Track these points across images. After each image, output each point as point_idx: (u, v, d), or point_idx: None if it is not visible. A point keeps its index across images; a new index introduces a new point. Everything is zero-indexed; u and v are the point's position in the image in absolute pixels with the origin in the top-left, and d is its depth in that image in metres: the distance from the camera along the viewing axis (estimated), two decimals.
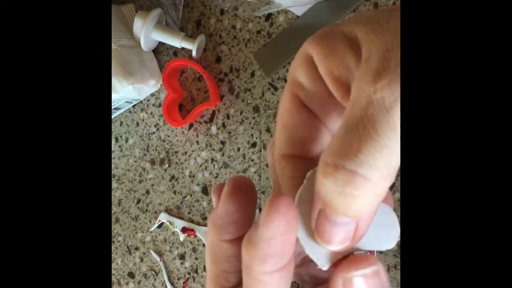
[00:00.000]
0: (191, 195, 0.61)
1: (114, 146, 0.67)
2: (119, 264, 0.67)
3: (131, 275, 0.66)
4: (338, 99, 0.20)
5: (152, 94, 0.63)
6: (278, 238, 0.17)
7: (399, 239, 0.20)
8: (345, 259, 0.19)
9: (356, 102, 0.16)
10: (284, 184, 0.21)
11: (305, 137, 0.21)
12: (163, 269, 0.63)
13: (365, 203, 0.16)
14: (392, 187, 0.49)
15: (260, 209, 0.56)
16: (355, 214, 0.17)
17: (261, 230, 0.17)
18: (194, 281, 0.61)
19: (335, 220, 0.17)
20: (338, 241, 0.18)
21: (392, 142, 0.15)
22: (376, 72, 0.16)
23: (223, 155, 0.58)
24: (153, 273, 0.64)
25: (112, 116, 0.66)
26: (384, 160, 0.16)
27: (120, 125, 0.66)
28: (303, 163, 0.21)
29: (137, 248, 0.66)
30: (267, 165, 0.56)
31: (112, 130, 0.67)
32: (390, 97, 0.15)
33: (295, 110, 0.21)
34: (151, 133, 0.64)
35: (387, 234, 0.20)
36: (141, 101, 0.64)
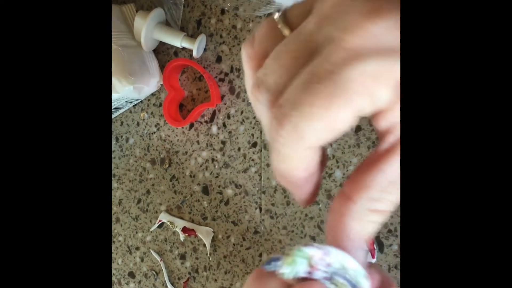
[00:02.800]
0: (191, 195, 0.61)
1: (114, 146, 0.67)
2: (119, 264, 0.67)
3: (131, 275, 0.66)
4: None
5: (153, 94, 0.63)
6: None
7: None
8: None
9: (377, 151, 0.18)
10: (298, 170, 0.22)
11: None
12: (164, 269, 0.63)
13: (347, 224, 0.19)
14: None
15: (260, 209, 0.56)
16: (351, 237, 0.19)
17: None
18: (194, 281, 0.61)
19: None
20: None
21: None
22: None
23: (223, 155, 0.58)
24: (154, 273, 0.64)
25: (113, 116, 0.66)
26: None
27: (121, 125, 0.66)
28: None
29: (137, 248, 0.66)
30: (267, 165, 0.56)
31: (113, 130, 0.67)
32: None
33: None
34: (152, 133, 0.64)
35: None
36: (141, 101, 0.64)
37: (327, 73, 0.16)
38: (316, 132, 0.17)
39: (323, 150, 0.21)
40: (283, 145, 0.18)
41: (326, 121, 0.17)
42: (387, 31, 0.16)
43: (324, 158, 0.21)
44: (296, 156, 0.18)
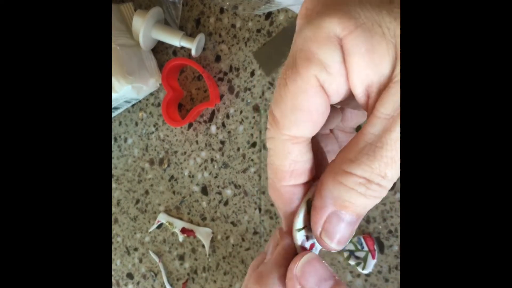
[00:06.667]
0: (190, 196, 0.61)
1: (113, 146, 0.67)
2: (118, 265, 0.67)
3: (130, 276, 0.66)
4: (355, 92, 0.20)
5: (151, 94, 0.63)
6: None
7: None
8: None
9: (388, 129, 0.18)
10: (284, 166, 0.23)
11: (317, 122, 0.21)
12: (162, 270, 0.63)
13: (373, 203, 0.20)
14: (392, 188, 0.49)
15: (260, 210, 0.56)
16: (363, 212, 0.21)
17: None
18: (193, 282, 0.61)
19: (346, 219, 0.21)
20: (347, 237, 0.21)
21: None
22: None
23: (222, 155, 0.58)
24: (152, 274, 0.64)
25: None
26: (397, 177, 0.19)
27: (119, 125, 0.66)
28: (307, 146, 0.22)
29: (136, 249, 0.65)
30: (267, 165, 0.56)
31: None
32: None
33: (313, 93, 0.20)
34: (150, 133, 0.64)
35: None
36: (140, 101, 0.64)
37: None
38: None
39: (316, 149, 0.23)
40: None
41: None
42: None
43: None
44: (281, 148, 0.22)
